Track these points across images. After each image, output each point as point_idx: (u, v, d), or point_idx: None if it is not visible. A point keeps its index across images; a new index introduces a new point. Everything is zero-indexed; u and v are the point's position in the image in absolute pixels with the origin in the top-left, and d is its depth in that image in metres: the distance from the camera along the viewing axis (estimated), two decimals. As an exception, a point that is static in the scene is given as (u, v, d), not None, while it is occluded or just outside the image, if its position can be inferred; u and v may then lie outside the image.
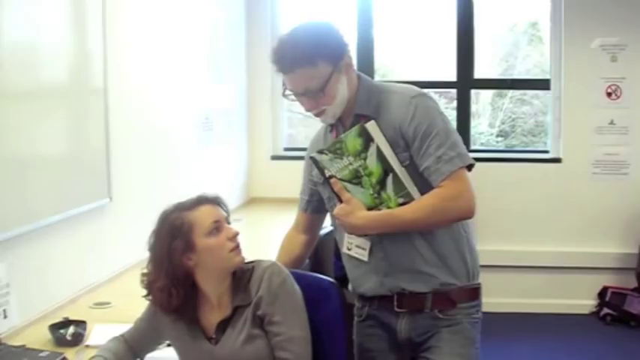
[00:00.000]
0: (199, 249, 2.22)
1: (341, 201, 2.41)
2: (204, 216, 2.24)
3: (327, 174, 2.42)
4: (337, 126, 2.51)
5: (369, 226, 2.38)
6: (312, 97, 2.35)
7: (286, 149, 6.20)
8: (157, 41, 4.22)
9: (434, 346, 2.44)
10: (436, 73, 6.37)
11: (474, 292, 2.49)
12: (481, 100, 6.74)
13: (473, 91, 6.22)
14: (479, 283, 2.51)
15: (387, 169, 2.36)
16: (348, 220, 2.39)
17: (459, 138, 2.40)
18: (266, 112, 6.13)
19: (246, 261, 2.32)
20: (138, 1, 4.00)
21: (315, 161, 2.45)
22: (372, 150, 2.35)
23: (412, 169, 2.37)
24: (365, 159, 2.36)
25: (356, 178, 2.39)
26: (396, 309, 2.45)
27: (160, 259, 2.23)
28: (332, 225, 2.65)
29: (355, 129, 2.37)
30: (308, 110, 2.42)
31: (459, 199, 2.34)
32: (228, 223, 2.30)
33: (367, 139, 2.35)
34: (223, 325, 2.28)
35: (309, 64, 2.30)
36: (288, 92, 2.41)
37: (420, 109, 2.36)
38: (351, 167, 2.38)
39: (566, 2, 5.77)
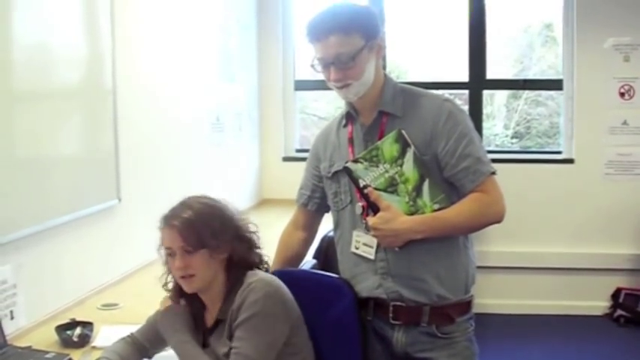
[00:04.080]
0: None
1: (375, 212, 2.36)
2: (163, 240, 2.28)
3: (362, 184, 2.38)
4: (354, 122, 2.49)
5: (414, 229, 2.32)
6: (341, 68, 2.34)
7: (298, 150, 6.17)
8: (166, 41, 4.22)
9: None
10: (448, 74, 6.34)
11: (469, 305, 2.47)
12: (496, 101, 6.72)
13: (487, 93, 6.20)
14: (472, 295, 2.49)
15: (423, 174, 2.34)
16: (389, 227, 2.32)
17: None
18: (278, 113, 6.13)
19: None
20: (147, 1, 4.00)
21: (349, 171, 2.40)
22: (409, 155, 2.34)
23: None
24: (401, 165, 2.34)
25: (391, 186, 2.36)
26: (391, 320, 2.41)
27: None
28: (334, 224, 2.60)
29: (392, 135, 2.35)
30: (334, 81, 2.37)
31: (496, 204, 2.38)
32: (183, 247, 2.23)
33: (404, 144, 2.34)
34: (210, 332, 2.31)
35: (344, 32, 2.31)
36: (315, 62, 2.39)
37: (453, 112, 2.38)
38: (387, 175, 2.36)
39: (578, 2, 5.74)
